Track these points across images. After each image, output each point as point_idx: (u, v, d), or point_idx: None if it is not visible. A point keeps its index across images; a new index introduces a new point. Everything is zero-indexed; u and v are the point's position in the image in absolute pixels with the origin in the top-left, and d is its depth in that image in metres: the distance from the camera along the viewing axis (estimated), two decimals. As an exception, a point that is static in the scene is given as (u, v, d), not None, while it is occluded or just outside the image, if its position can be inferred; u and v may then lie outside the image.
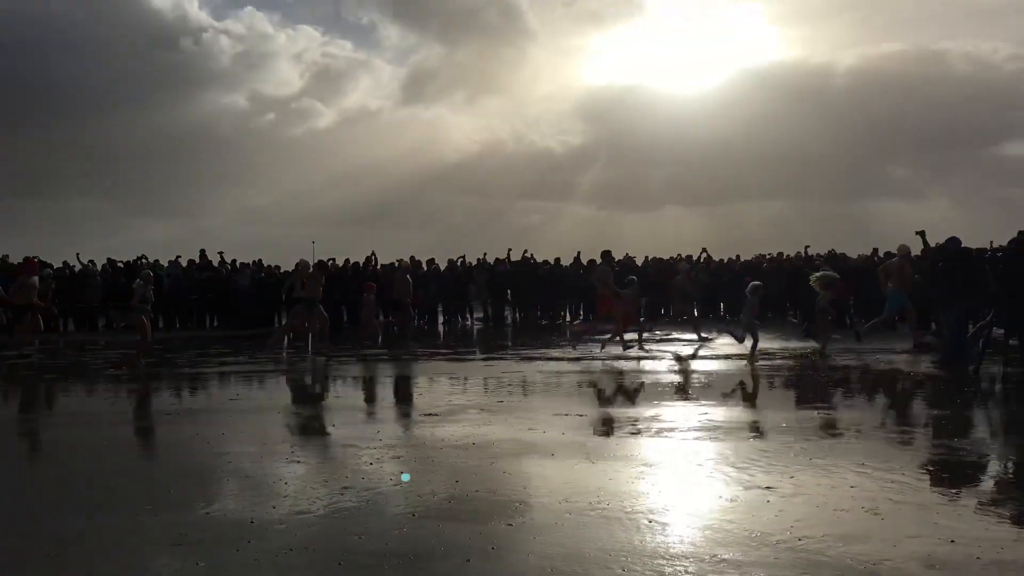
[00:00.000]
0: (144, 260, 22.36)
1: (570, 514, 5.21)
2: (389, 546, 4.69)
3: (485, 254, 24.24)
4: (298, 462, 6.81)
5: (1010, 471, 6.46)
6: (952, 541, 4.59)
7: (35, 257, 18.15)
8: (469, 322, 23.47)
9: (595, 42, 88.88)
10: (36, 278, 16.00)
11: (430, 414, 8.83)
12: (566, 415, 8.83)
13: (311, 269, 16.28)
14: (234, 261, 23.37)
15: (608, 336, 15.28)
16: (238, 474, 6.51)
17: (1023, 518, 5.10)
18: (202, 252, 23.48)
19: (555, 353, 14.83)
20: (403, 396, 11.00)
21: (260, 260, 23.56)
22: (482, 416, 8.81)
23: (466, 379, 12.06)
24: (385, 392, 11.41)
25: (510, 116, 78.38)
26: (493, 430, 7.99)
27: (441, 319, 23.72)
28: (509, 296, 23.96)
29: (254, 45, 75.25)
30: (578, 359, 13.99)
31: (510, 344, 16.59)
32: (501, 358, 14.63)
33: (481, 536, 4.82)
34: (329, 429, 8.31)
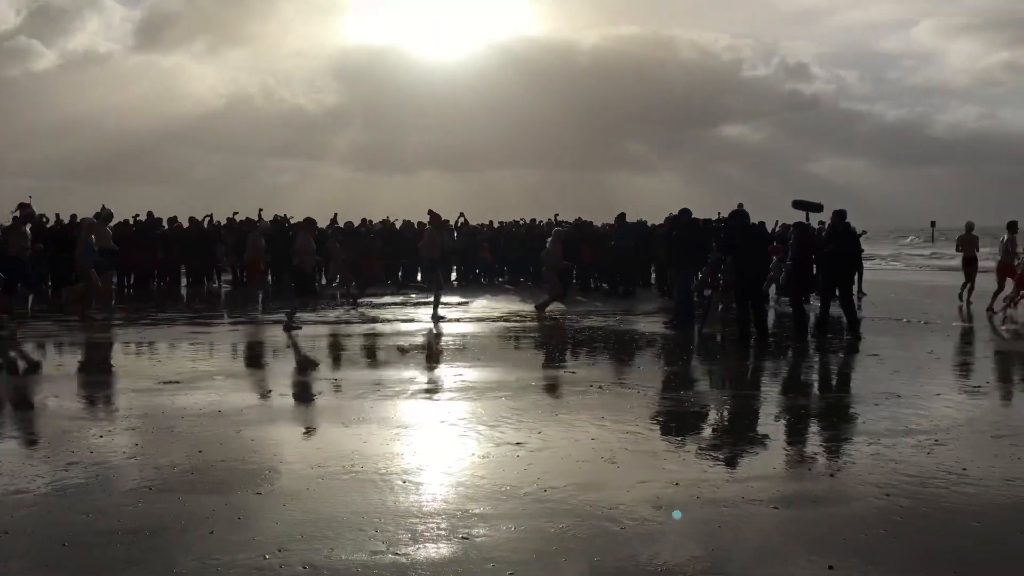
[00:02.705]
0: None
1: (323, 479, 5.11)
2: (122, 523, 4.35)
3: (236, 213, 23.02)
4: (13, 438, 6.13)
5: (726, 419, 7.20)
6: (677, 484, 5.04)
7: None
8: (216, 284, 22.27)
9: (349, 0, 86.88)
10: None
11: (171, 382, 8.28)
12: (320, 379, 8.64)
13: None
14: (-69, 213, 20.42)
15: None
16: (-62, 454, 5.73)
17: (735, 460, 5.71)
18: None
19: (310, 317, 14.46)
20: (140, 363, 10.22)
21: (-35, 214, 20.77)
22: (229, 383, 8.40)
23: (212, 345, 11.43)
24: (120, 359, 10.52)
25: (258, 70, 74.83)
26: (241, 397, 7.65)
27: (184, 281, 22.29)
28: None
29: (-42, -29, 65.35)
30: (334, 322, 13.74)
31: (261, 308, 15.93)
32: (251, 322, 14.03)
33: (227, 507, 4.60)
34: (52, 401, 7.53)
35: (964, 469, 5.31)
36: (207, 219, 22.55)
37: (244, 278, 20.06)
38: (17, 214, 13.80)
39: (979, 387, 8.21)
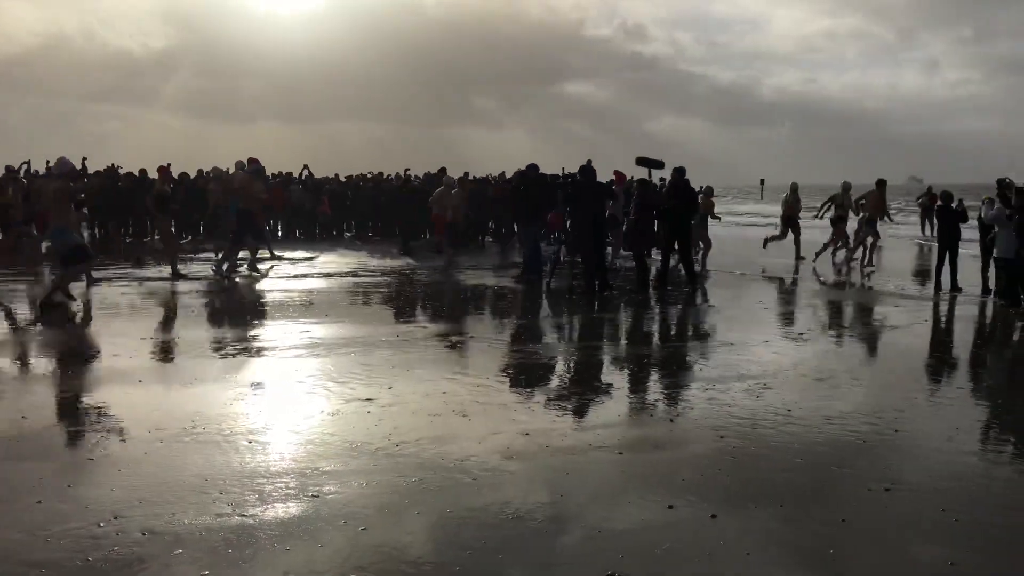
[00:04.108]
0: None
1: (161, 442, 4.89)
2: (-66, 498, 4.00)
3: (48, 162, 21.18)
4: None
5: (573, 370, 7.40)
6: (527, 434, 5.15)
7: None
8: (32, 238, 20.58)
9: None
10: None
11: (-13, 344, 7.65)
12: (155, 339, 8.22)
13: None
14: None
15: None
16: None
17: (581, 409, 5.90)
18: None
19: (147, 273, 13.68)
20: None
21: None
22: (54, 344, 7.85)
23: (33, 303, 10.62)
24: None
25: (77, 9, 69.15)
26: (69, 358, 7.16)
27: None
28: (86, 211, 21.46)
29: None
30: (167, 279, 13.06)
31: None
32: (76, 279, 13.09)
33: (55, 474, 4.32)
34: None
35: (789, 410, 5.71)
36: (24, 167, 20.73)
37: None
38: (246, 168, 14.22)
39: (803, 334, 8.83)
